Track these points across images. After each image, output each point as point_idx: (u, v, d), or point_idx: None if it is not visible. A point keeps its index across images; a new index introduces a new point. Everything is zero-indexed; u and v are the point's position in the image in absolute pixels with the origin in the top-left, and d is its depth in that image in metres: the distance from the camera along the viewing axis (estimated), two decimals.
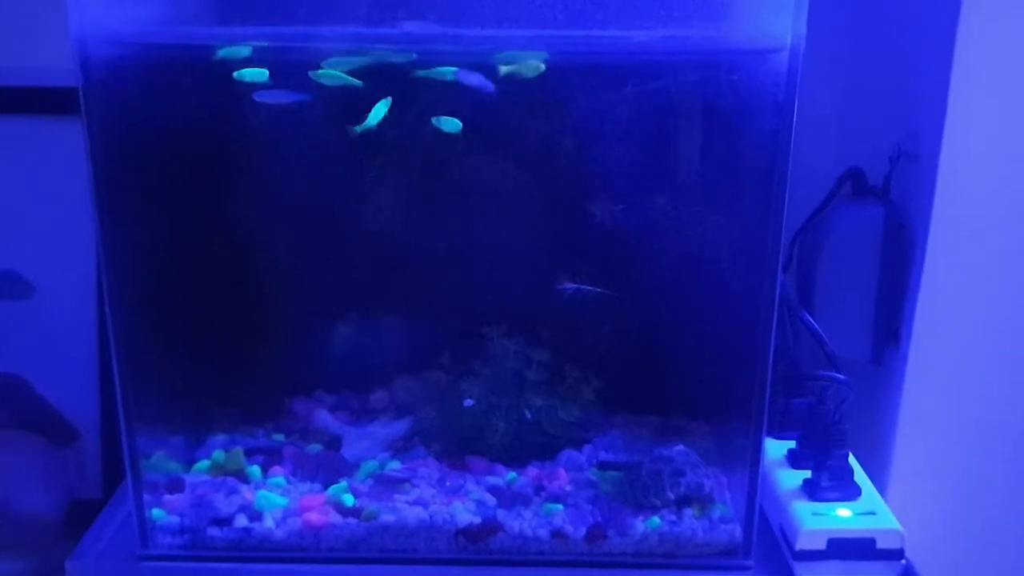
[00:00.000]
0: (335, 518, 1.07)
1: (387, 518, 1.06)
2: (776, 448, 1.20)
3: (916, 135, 1.20)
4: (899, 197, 1.24)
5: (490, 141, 1.08)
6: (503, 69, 0.96)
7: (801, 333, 1.19)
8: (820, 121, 1.33)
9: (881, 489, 1.16)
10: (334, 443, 1.20)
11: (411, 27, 0.91)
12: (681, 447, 1.09)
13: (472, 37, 0.92)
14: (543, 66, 0.97)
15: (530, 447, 1.16)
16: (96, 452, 1.53)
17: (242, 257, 1.21)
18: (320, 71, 0.96)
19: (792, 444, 1.20)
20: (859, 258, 1.25)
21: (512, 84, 0.97)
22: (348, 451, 1.18)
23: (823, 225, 1.28)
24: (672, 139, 1.10)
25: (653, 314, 1.15)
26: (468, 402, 1.15)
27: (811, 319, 1.14)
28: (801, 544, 1.05)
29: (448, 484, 1.13)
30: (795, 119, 0.93)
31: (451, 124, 1.00)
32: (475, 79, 0.98)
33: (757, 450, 1.03)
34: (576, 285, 1.10)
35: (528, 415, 1.15)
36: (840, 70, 1.34)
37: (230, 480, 1.12)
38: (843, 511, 1.07)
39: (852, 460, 1.13)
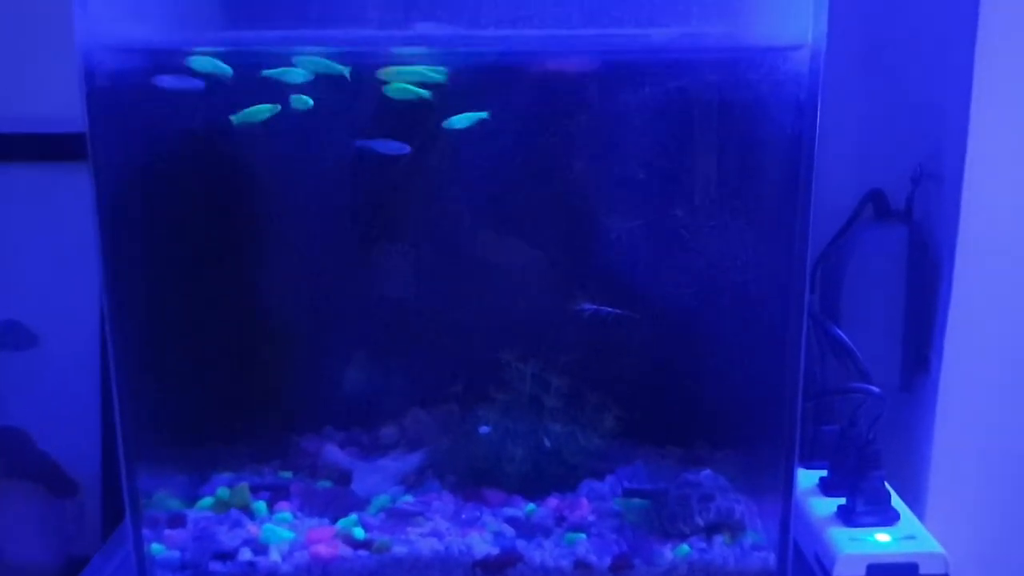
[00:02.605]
0: (345, 551, 1.01)
1: (400, 550, 1.01)
2: (807, 478, 1.15)
3: (938, 155, 1.18)
4: (923, 218, 1.21)
5: (498, 150, 1.04)
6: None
7: (828, 355, 1.15)
8: (839, 143, 1.30)
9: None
10: (343, 479, 1.15)
11: (425, 28, 0.88)
12: (708, 471, 1.04)
13: (486, 38, 0.90)
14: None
15: (549, 477, 1.11)
16: (97, 507, 1.48)
17: (248, 294, 1.18)
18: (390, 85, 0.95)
19: (823, 473, 1.14)
20: (884, 282, 1.22)
21: (522, 88, 0.94)
22: (358, 486, 1.14)
23: (845, 249, 1.24)
24: (691, 146, 1.07)
25: (675, 336, 1.11)
26: (484, 429, 1.10)
27: (840, 332, 1.09)
28: (839, 571, 0.99)
29: (464, 517, 1.07)
30: (819, 120, 0.90)
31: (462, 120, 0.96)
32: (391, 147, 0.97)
33: (790, 470, 0.98)
34: (594, 306, 1.06)
35: (547, 443, 1.10)
36: (857, 90, 1.33)
37: (234, 513, 1.07)
38: (882, 536, 1.02)
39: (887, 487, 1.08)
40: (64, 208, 1.39)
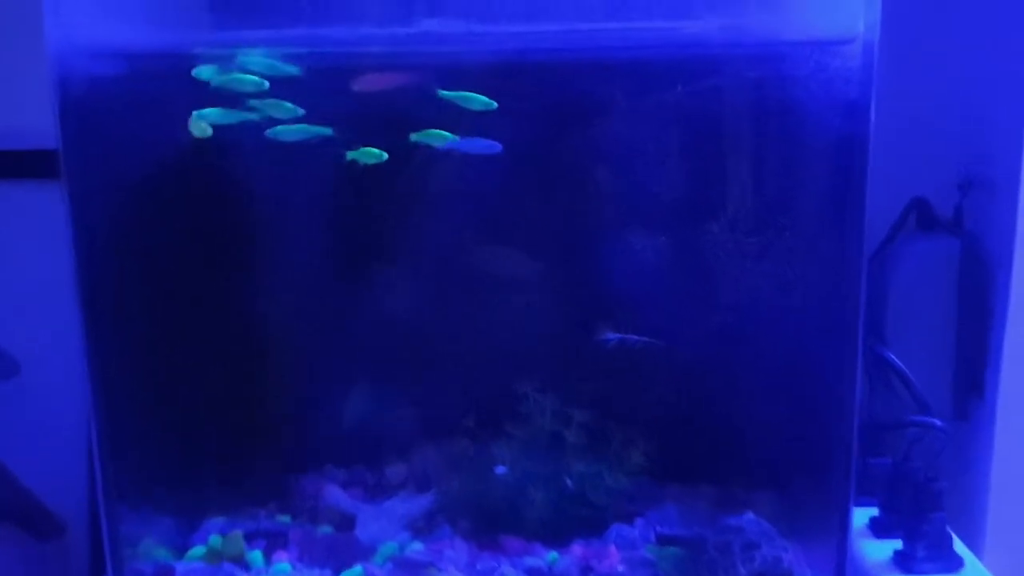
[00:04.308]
0: None
1: None
2: (855, 516, 1.04)
3: (989, 159, 1.09)
4: (974, 228, 1.11)
5: (513, 160, 0.95)
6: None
7: (876, 380, 1.05)
8: (877, 146, 1.20)
9: None
10: (347, 523, 1.06)
11: (431, 26, 0.79)
12: (751, 515, 0.94)
13: (500, 35, 0.81)
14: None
15: (573, 521, 1.01)
16: (84, 549, 1.40)
17: (240, 320, 1.09)
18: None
19: (874, 512, 1.04)
20: (932, 299, 1.15)
21: (541, 91, 0.85)
22: (363, 532, 1.05)
23: (888, 263, 1.15)
24: (727, 153, 0.98)
25: (709, 363, 1.01)
26: (500, 469, 1.01)
27: (891, 355, 1.00)
28: None
29: (479, 567, 0.98)
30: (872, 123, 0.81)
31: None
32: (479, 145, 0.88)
33: (845, 515, 0.89)
34: (620, 335, 0.96)
35: (569, 483, 1.00)
36: (896, 88, 1.23)
37: (227, 566, 0.98)
38: None
39: None
40: (51, 227, 1.31)
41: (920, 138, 1.22)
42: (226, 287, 1.08)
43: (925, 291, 1.15)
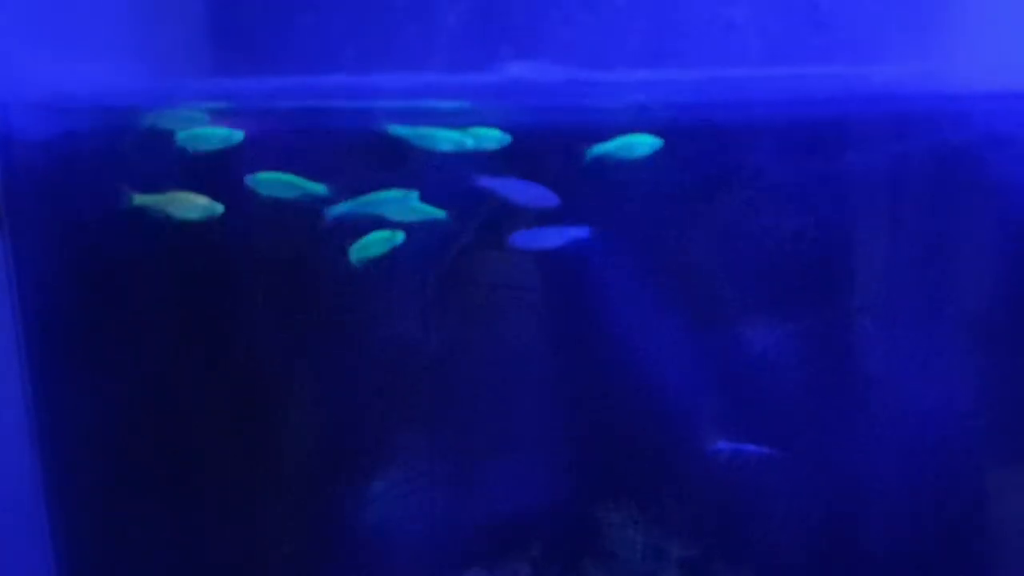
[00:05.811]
0: None
1: None
2: None
3: None
4: None
5: (626, 229, 0.79)
6: None
7: None
8: None
9: None
10: None
11: (520, 70, 0.60)
12: None
13: (615, 84, 0.62)
14: None
15: None
16: None
17: (238, 408, 0.96)
18: None
19: None
20: None
21: (673, 160, 0.68)
22: None
23: None
24: (912, 225, 0.82)
25: (853, 485, 0.87)
26: None
27: None
28: None
29: None
30: None
31: None
32: None
33: None
34: (733, 445, 0.83)
35: None
36: None
37: None
38: None
39: None
40: None
41: None
42: (216, 370, 0.95)
43: None
